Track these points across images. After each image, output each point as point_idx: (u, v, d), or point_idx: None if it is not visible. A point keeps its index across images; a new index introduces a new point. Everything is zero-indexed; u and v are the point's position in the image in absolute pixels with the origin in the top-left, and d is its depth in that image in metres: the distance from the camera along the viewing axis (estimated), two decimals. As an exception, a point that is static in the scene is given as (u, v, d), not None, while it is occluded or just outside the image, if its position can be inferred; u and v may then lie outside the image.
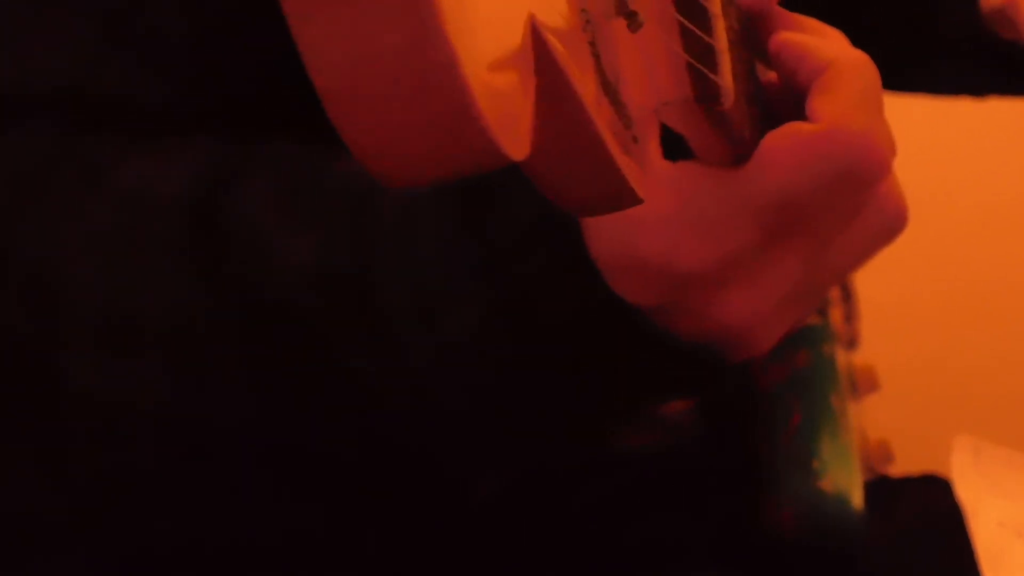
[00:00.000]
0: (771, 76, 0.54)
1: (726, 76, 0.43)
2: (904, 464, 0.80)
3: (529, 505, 0.74)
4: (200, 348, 0.57)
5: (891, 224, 0.53)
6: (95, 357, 0.57)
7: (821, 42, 0.51)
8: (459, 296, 0.53)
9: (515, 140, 0.28)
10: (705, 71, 0.42)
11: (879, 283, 0.94)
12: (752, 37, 0.52)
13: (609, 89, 0.36)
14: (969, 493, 0.76)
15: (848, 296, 0.80)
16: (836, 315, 0.77)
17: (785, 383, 0.74)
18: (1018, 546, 0.74)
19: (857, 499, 0.71)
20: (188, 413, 0.58)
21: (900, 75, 0.88)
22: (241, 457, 0.61)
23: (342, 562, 0.69)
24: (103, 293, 0.57)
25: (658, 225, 0.50)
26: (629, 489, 0.76)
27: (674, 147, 0.50)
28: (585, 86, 0.33)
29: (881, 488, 0.77)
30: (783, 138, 0.49)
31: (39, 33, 0.61)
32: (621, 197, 0.37)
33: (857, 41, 0.53)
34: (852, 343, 0.79)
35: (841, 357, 0.76)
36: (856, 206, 0.51)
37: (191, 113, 0.61)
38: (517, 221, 0.53)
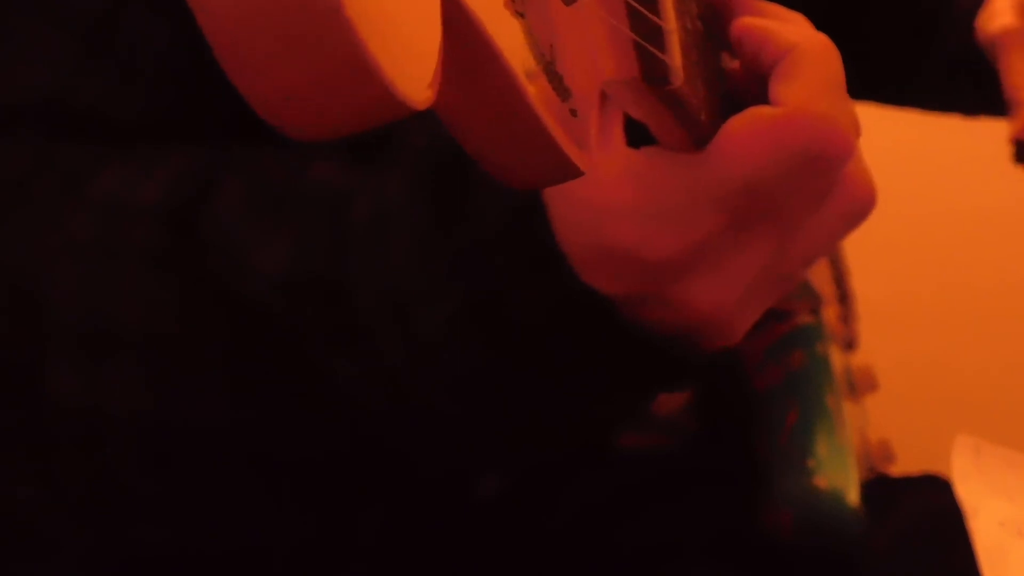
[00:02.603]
0: (735, 64, 0.54)
1: (674, 55, 0.43)
2: (905, 464, 0.80)
3: (528, 505, 0.74)
4: (180, 354, 0.57)
5: (859, 206, 0.53)
6: (76, 365, 0.57)
7: (783, 27, 0.51)
8: (432, 295, 0.54)
9: (415, 87, 0.28)
10: (652, 50, 0.43)
11: (878, 283, 0.94)
12: (715, 25, 0.52)
13: (542, 60, 0.37)
14: (970, 493, 0.75)
15: (846, 297, 0.80)
16: (834, 316, 0.77)
17: (781, 384, 0.74)
18: (1019, 546, 0.74)
19: (853, 497, 0.71)
20: (170, 419, 0.58)
21: (894, 89, 0.88)
22: (224, 462, 0.61)
23: (337, 564, 0.69)
24: (84, 301, 0.57)
25: (624, 214, 0.51)
26: (628, 489, 0.76)
27: (642, 138, 0.51)
28: (510, 51, 0.34)
29: (881, 488, 0.77)
30: (745, 123, 0.49)
31: (19, 45, 0.61)
32: (559, 168, 0.38)
33: (854, 52, 0.54)
34: (851, 344, 0.79)
35: (838, 357, 0.76)
36: (822, 189, 0.51)
37: (170, 123, 0.62)
38: (489, 218, 0.53)
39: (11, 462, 0.63)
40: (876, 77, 0.54)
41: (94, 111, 0.61)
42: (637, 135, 0.51)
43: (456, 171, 0.55)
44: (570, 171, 0.38)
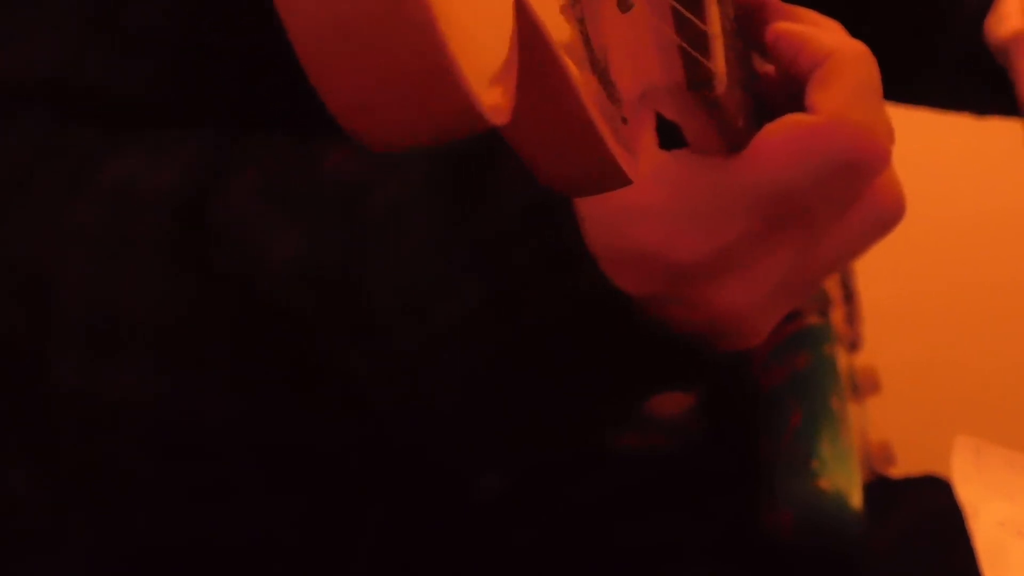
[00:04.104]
0: (768, 68, 0.54)
1: (719, 61, 0.43)
2: (905, 465, 0.80)
3: (530, 504, 0.74)
4: (189, 344, 0.56)
5: (888, 216, 0.53)
6: (83, 355, 0.57)
7: (820, 33, 0.51)
8: (448, 290, 0.53)
9: (495, 103, 0.28)
10: (697, 56, 0.42)
11: (881, 285, 0.94)
12: (748, 27, 0.52)
13: (597, 67, 0.36)
14: (970, 493, 0.75)
15: (850, 298, 0.79)
16: (838, 317, 0.77)
17: (786, 384, 0.73)
18: (1019, 545, 0.74)
19: (856, 499, 0.71)
20: (177, 410, 0.58)
21: (903, 88, 0.88)
22: (232, 454, 0.60)
23: (340, 560, 0.69)
24: (91, 290, 0.56)
25: (654, 215, 0.50)
26: (630, 489, 0.76)
27: (669, 138, 0.51)
28: (572, 61, 0.34)
29: (882, 489, 0.77)
30: (782, 130, 0.49)
31: (22, 23, 0.60)
32: (610, 176, 0.37)
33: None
34: (854, 345, 0.79)
35: (842, 358, 0.76)
36: (853, 198, 0.51)
37: (177, 106, 0.61)
38: (508, 213, 0.53)
39: (12, 460, 0.62)
40: (885, 73, 0.54)
41: (98, 91, 0.60)
42: (664, 136, 0.51)
43: (474, 165, 0.54)
44: (620, 179, 0.38)
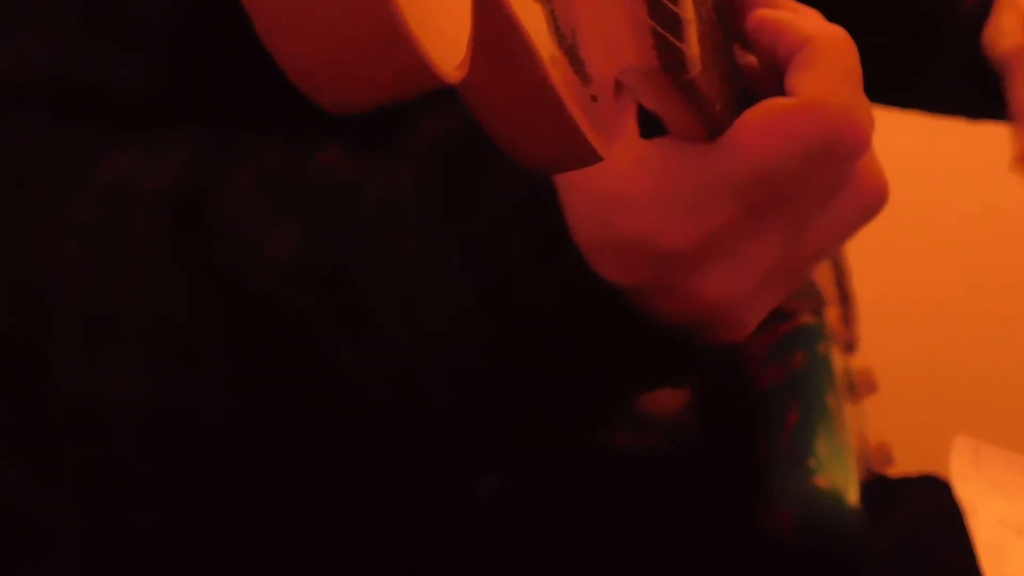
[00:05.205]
0: (751, 59, 0.54)
1: (692, 43, 0.43)
2: (903, 465, 0.80)
3: (530, 504, 0.74)
4: (184, 342, 0.57)
5: (871, 202, 0.53)
6: (79, 352, 0.57)
7: (798, 18, 0.51)
8: (440, 288, 0.53)
9: (448, 58, 0.28)
10: (670, 38, 0.43)
11: (877, 285, 0.94)
12: (729, 18, 0.53)
13: (564, 43, 0.37)
14: (969, 492, 0.76)
15: (846, 298, 0.80)
16: (834, 318, 0.77)
17: (784, 384, 0.74)
18: (1018, 543, 0.74)
19: (853, 496, 0.71)
20: (177, 409, 0.58)
21: (896, 91, 0.89)
22: (227, 452, 0.61)
23: (335, 559, 0.69)
24: (90, 290, 0.57)
25: (638, 203, 0.50)
26: (628, 489, 0.76)
27: (651, 130, 0.51)
28: (534, 33, 0.34)
29: (881, 489, 0.77)
30: (762, 113, 0.49)
31: (22, 22, 0.61)
32: (579, 151, 0.38)
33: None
34: (851, 346, 0.79)
35: (839, 358, 0.76)
36: (836, 182, 0.51)
37: (177, 106, 0.61)
38: (499, 210, 0.53)
39: (12, 460, 0.63)
40: (877, 78, 0.54)
41: (97, 89, 0.61)
42: (646, 127, 0.51)
43: (465, 163, 0.54)
44: (589, 155, 0.38)
